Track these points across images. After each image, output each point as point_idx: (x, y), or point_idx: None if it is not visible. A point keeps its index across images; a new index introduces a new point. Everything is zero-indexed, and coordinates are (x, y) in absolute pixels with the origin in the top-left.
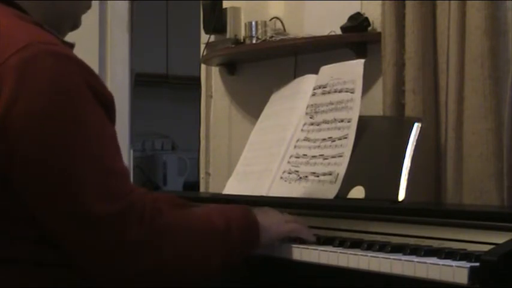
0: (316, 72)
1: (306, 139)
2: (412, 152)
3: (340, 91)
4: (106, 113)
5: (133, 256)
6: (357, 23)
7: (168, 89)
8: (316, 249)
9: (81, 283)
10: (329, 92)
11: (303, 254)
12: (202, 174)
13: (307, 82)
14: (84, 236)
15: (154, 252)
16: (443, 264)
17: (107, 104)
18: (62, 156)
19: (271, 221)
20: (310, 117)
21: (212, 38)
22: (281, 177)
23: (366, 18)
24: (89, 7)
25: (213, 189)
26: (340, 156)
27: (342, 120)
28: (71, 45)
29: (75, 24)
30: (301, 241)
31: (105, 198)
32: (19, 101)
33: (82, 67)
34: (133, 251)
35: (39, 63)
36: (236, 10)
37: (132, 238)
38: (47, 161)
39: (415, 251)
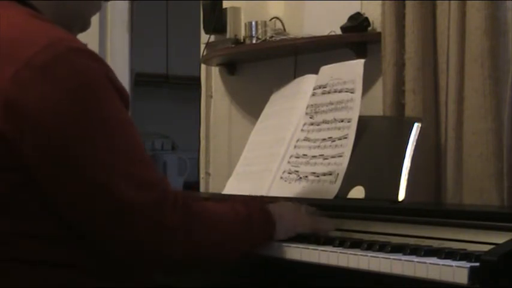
0: (316, 72)
1: (306, 139)
2: (412, 152)
3: (340, 91)
4: (125, 107)
5: (173, 242)
6: (357, 23)
7: (168, 89)
8: (316, 249)
9: (82, 283)
10: (329, 92)
11: (303, 254)
12: (202, 174)
13: (307, 82)
14: (124, 226)
15: (190, 238)
16: (443, 264)
17: (124, 99)
18: (95, 151)
19: (287, 214)
20: (310, 117)
21: (212, 38)
22: (281, 177)
23: (366, 18)
24: (99, 8)
25: (213, 189)
26: (340, 156)
27: (342, 120)
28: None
29: (84, 25)
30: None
31: (141, 188)
32: (49, 99)
33: (102, 62)
34: (172, 237)
35: (65, 61)
36: (236, 10)
37: (170, 225)
38: (80, 157)
39: (415, 251)
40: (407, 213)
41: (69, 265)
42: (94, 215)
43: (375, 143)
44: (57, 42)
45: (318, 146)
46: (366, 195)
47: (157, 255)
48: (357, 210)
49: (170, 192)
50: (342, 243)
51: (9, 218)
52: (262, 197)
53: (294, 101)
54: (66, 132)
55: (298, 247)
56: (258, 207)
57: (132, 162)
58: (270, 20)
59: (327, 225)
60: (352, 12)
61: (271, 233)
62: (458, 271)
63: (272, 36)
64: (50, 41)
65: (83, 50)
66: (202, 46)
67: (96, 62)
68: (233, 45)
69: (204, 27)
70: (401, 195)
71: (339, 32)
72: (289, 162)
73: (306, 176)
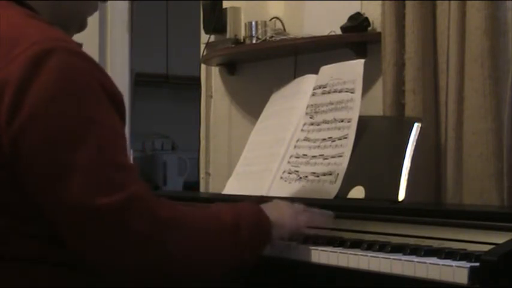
0: (316, 72)
1: (306, 139)
2: (412, 152)
3: (340, 91)
4: (116, 111)
5: (136, 248)
6: (357, 23)
7: (168, 89)
8: (316, 249)
9: (82, 282)
10: (329, 92)
11: (303, 254)
12: (202, 174)
13: (307, 82)
14: (85, 228)
15: (157, 245)
16: (443, 264)
17: (117, 102)
18: (64, 148)
19: (283, 216)
20: (310, 117)
21: (212, 38)
22: (281, 177)
23: (366, 18)
24: (95, 8)
25: (213, 189)
26: (340, 156)
27: (342, 120)
28: (79, 45)
29: (81, 26)
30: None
31: (105, 190)
32: (28, 92)
33: (94, 65)
34: (135, 243)
35: (50, 58)
36: (236, 10)
37: (134, 230)
38: (51, 152)
39: (415, 251)
40: (407, 213)
41: (69, 265)
42: (61, 215)
43: (375, 143)
44: (47, 39)
45: (318, 146)
46: (366, 195)
47: (120, 260)
48: (357, 210)
49: (139, 197)
50: (342, 243)
51: (7, 217)
52: (259, 198)
53: (294, 101)
54: (37, 130)
55: (298, 247)
56: (249, 212)
57: (102, 164)
58: (270, 20)
59: (323, 217)
60: (352, 12)
61: (266, 237)
62: (458, 271)
63: (272, 36)
64: (39, 39)
65: (73, 50)
66: (202, 46)
67: (88, 64)
68: (233, 45)
69: (204, 27)
70: (401, 195)
71: (339, 32)
72: (289, 162)
73: (306, 176)
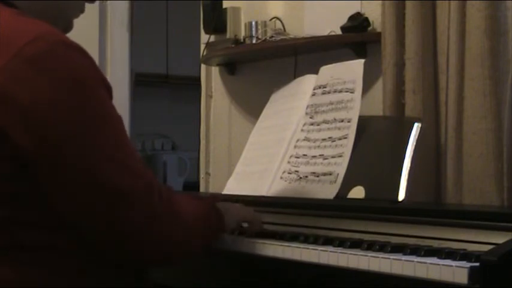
0: (316, 72)
1: (306, 139)
2: (412, 152)
3: (340, 91)
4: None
5: (159, 230)
6: (357, 23)
7: (168, 89)
8: (316, 249)
9: (90, 270)
10: (329, 92)
11: (303, 254)
12: (202, 174)
13: (307, 82)
14: (117, 212)
15: (170, 228)
16: (443, 264)
17: (109, 91)
18: (87, 142)
19: (231, 209)
20: (310, 117)
21: (212, 38)
22: (281, 177)
23: (366, 18)
24: (82, 10)
25: (213, 189)
26: (340, 156)
27: (342, 120)
28: None
29: (66, 27)
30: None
31: (131, 176)
32: (39, 90)
33: (89, 56)
34: (159, 225)
35: (56, 54)
36: (236, 10)
37: (158, 213)
38: (70, 145)
39: (415, 251)
40: (407, 213)
41: (70, 251)
42: (90, 204)
43: (375, 143)
44: (47, 35)
45: (318, 146)
46: (366, 195)
47: (143, 241)
48: (357, 210)
49: (156, 182)
50: (342, 243)
51: (7, 206)
52: (212, 196)
53: (294, 101)
54: (58, 123)
55: (299, 247)
56: (210, 205)
57: (124, 153)
58: (270, 20)
59: (259, 216)
60: (352, 12)
61: (223, 227)
62: (458, 271)
63: (272, 36)
64: (39, 34)
65: (71, 44)
66: (202, 46)
67: (84, 56)
68: (233, 45)
69: (204, 27)
70: (401, 195)
71: (339, 32)
72: (289, 162)
73: (306, 176)
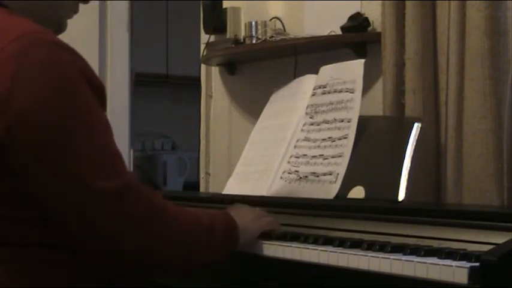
0: (316, 72)
1: (306, 139)
2: (412, 152)
3: (340, 91)
4: (98, 99)
5: (131, 232)
6: (357, 23)
7: (168, 89)
8: (316, 249)
9: (80, 266)
10: (329, 92)
11: (303, 254)
12: (202, 174)
13: (307, 82)
14: (87, 210)
15: (149, 230)
16: (443, 264)
17: (98, 91)
18: (61, 137)
19: (246, 221)
20: (310, 117)
21: (212, 38)
22: (281, 177)
23: (366, 18)
24: (75, 10)
25: (213, 189)
26: (340, 156)
27: (342, 120)
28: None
29: (59, 28)
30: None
31: (104, 175)
32: (18, 87)
33: (76, 56)
34: (131, 227)
35: (36, 51)
36: (236, 10)
37: (132, 212)
38: (47, 144)
39: (415, 251)
40: (407, 213)
41: (61, 248)
42: (61, 201)
43: (375, 143)
44: (30, 33)
45: (318, 146)
46: (366, 195)
47: (115, 243)
48: (357, 210)
49: (135, 183)
50: (342, 243)
51: None
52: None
53: (294, 101)
54: (31, 120)
55: (299, 247)
56: (220, 218)
57: (99, 151)
58: (270, 20)
59: (276, 225)
60: (352, 12)
61: (236, 241)
62: (458, 271)
63: (272, 36)
64: (22, 33)
65: (56, 42)
66: (202, 46)
67: (70, 55)
68: (233, 45)
69: (204, 27)
70: (401, 195)
71: (339, 32)
72: (289, 162)
73: (306, 176)
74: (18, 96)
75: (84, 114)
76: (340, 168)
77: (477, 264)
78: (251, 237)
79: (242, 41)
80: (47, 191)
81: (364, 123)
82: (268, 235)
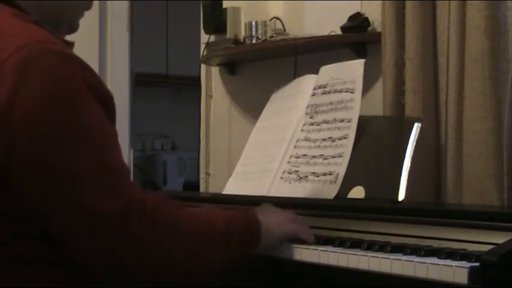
0: (316, 72)
1: (306, 139)
2: (412, 152)
3: (340, 91)
4: (106, 111)
5: (135, 254)
6: (357, 23)
7: (168, 89)
8: (316, 249)
9: (80, 283)
10: (329, 92)
11: (303, 254)
12: (202, 174)
13: (307, 82)
14: (85, 234)
15: (155, 251)
16: (443, 264)
17: (106, 102)
18: (62, 155)
19: (272, 222)
20: (310, 117)
21: (212, 38)
22: (281, 177)
23: (366, 18)
24: (86, 9)
25: (213, 189)
26: (340, 156)
27: (342, 120)
28: (71, 44)
29: (71, 28)
30: (301, 241)
31: (105, 196)
32: (19, 99)
33: (82, 66)
34: (134, 249)
35: (39, 62)
36: (236, 10)
37: (134, 236)
38: (48, 160)
39: (415, 251)
40: (407, 213)
41: (62, 264)
42: (61, 221)
43: (375, 143)
44: (33, 43)
45: (318, 146)
46: (366, 195)
47: (120, 265)
48: (357, 210)
49: (138, 202)
50: (342, 243)
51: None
52: (248, 208)
53: (294, 101)
54: (32, 134)
55: (299, 247)
56: (240, 218)
57: (101, 169)
58: (270, 20)
59: (308, 234)
60: (352, 12)
61: (256, 243)
62: (458, 271)
63: (272, 36)
64: (26, 42)
65: (61, 52)
66: (202, 46)
67: (76, 65)
68: (233, 45)
69: (204, 27)
70: (401, 195)
71: (339, 32)
72: (289, 162)
73: (306, 176)
74: (17, 109)
75: (84, 130)
76: (340, 168)
77: (477, 264)
78: (272, 241)
79: (242, 41)
80: (46, 209)
81: (364, 123)
82: None
